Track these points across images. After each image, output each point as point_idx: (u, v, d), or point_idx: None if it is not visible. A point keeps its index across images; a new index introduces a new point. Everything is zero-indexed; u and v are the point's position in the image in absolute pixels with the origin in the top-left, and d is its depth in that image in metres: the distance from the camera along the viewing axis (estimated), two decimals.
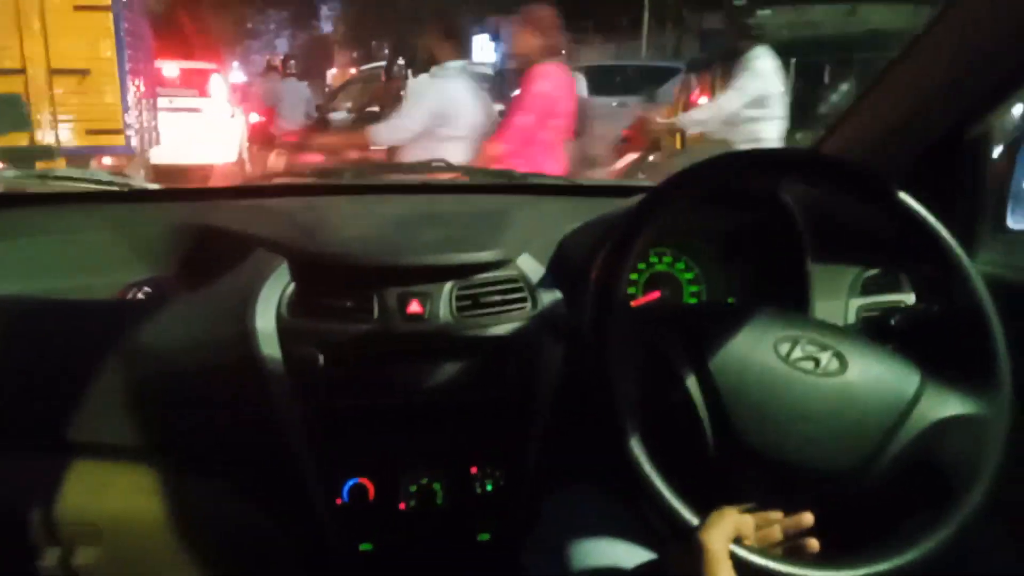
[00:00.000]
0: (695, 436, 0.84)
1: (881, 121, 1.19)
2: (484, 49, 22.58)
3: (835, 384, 0.84)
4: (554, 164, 3.09)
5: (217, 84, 9.45)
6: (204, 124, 8.87)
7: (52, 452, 1.19)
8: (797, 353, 0.86)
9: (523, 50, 3.15)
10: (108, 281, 1.34)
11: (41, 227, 1.38)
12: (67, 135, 6.72)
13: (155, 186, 1.69)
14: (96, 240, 1.37)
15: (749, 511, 0.81)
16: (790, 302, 1.17)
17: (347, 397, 1.15)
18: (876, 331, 1.09)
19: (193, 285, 1.28)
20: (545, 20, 3.15)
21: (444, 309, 1.16)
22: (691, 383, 0.84)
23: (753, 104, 3.73)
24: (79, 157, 6.41)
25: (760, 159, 0.95)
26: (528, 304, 1.19)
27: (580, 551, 0.97)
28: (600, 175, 3.83)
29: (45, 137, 6.50)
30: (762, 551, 0.79)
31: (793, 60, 7.01)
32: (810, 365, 0.85)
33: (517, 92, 3.13)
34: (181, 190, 1.87)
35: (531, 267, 1.23)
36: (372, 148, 3.10)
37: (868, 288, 1.27)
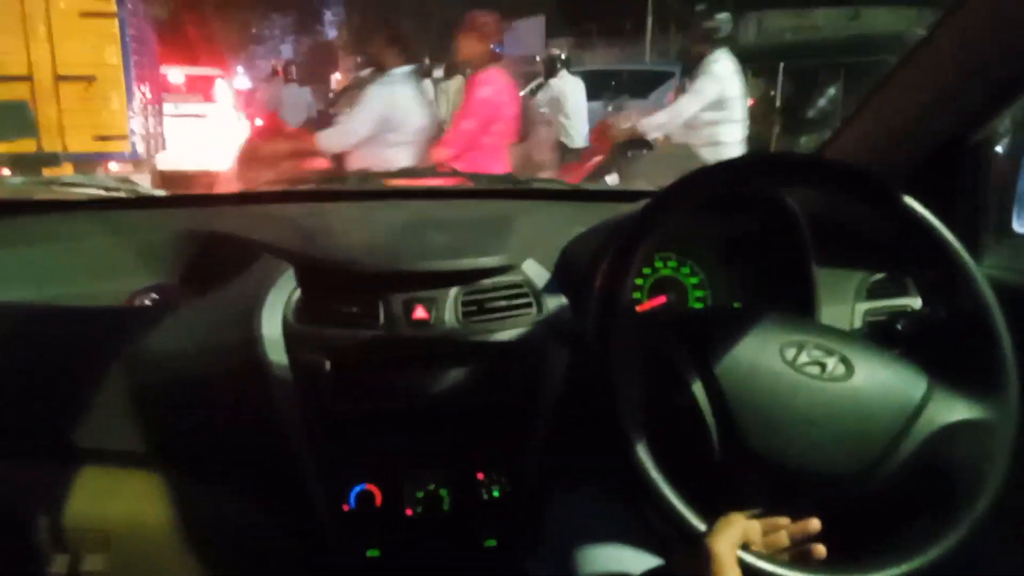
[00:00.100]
0: (701, 441, 0.83)
1: (884, 126, 1.19)
2: None
3: (841, 389, 0.84)
4: (498, 168, 3.14)
5: (222, 90, 9.49)
6: (210, 130, 8.90)
7: (59, 458, 1.19)
8: (803, 358, 0.86)
9: (467, 56, 3.22)
10: (114, 287, 1.34)
11: (47, 234, 1.39)
12: (73, 141, 6.75)
13: (161, 192, 1.69)
14: (102, 246, 1.37)
15: (756, 517, 0.81)
16: (796, 307, 1.17)
17: (353, 403, 1.15)
18: (882, 336, 1.08)
19: (199, 291, 1.28)
20: (488, 26, 3.21)
21: (450, 315, 1.16)
22: (697, 388, 0.84)
23: (712, 107, 3.78)
24: (86, 163, 6.43)
25: (764, 164, 0.95)
26: (533, 309, 1.19)
27: (586, 556, 0.97)
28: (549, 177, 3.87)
29: (51, 143, 6.52)
30: (769, 557, 0.79)
31: (782, 64, 7.04)
32: (816, 370, 0.85)
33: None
34: (187, 196, 1.88)
35: (536, 272, 1.23)
36: (320, 153, 3.13)
37: (874, 292, 1.27)
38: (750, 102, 7.40)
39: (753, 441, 0.82)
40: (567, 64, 6.40)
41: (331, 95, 10.73)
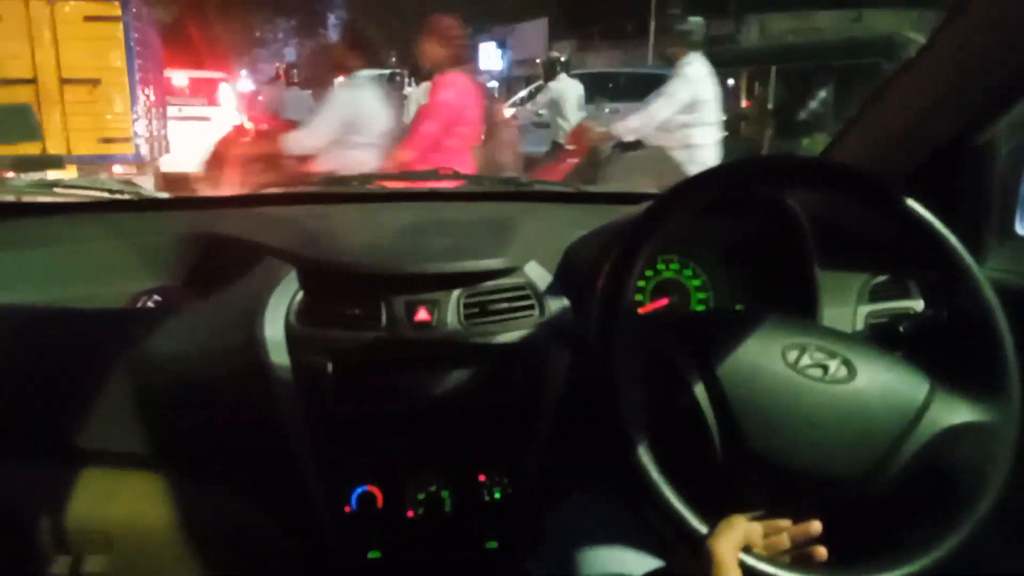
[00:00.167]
0: (702, 443, 0.83)
1: (887, 128, 1.19)
2: (491, 57, 22.68)
3: (844, 391, 0.84)
4: (461, 170, 3.15)
5: (226, 93, 9.51)
6: (213, 132, 8.93)
7: (60, 459, 1.19)
8: (805, 360, 0.86)
9: (428, 59, 3.26)
10: (117, 290, 1.34)
11: (51, 236, 1.39)
12: (77, 144, 6.77)
13: (164, 195, 1.70)
14: (105, 249, 1.38)
15: (757, 519, 0.81)
16: (798, 309, 1.17)
17: (355, 404, 1.16)
18: (884, 338, 1.08)
19: (202, 293, 1.29)
20: (450, 30, 3.25)
21: (452, 316, 1.16)
22: (699, 390, 0.84)
23: (685, 110, 3.81)
24: (90, 165, 6.46)
25: (766, 166, 0.95)
26: (535, 311, 1.19)
27: (587, 558, 0.97)
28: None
29: (56, 146, 6.55)
30: (771, 559, 0.79)
31: (774, 68, 7.07)
32: (818, 372, 0.85)
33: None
34: (190, 199, 1.88)
35: (538, 274, 1.23)
36: (286, 155, 3.18)
37: (876, 295, 1.27)
38: (745, 103, 7.43)
39: (755, 443, 0.82)
40: (566, 67, 6.42)
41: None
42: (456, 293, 1.18)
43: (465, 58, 3.34)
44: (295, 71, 9.04)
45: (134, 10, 7.09)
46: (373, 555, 1.18)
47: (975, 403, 0.83)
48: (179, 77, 9.40)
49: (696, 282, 1.36)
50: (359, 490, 1.16)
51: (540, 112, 6.27)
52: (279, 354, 1.13)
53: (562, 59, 6.44)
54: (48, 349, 1.19)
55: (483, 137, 3.50)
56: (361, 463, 1.17)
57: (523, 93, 12.60)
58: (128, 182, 1.83)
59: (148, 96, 7.38)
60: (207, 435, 1.19)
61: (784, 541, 0.82)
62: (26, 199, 1.65)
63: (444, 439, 1.20)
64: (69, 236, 1.39)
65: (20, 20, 6.73)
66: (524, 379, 1.17)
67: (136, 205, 1.59)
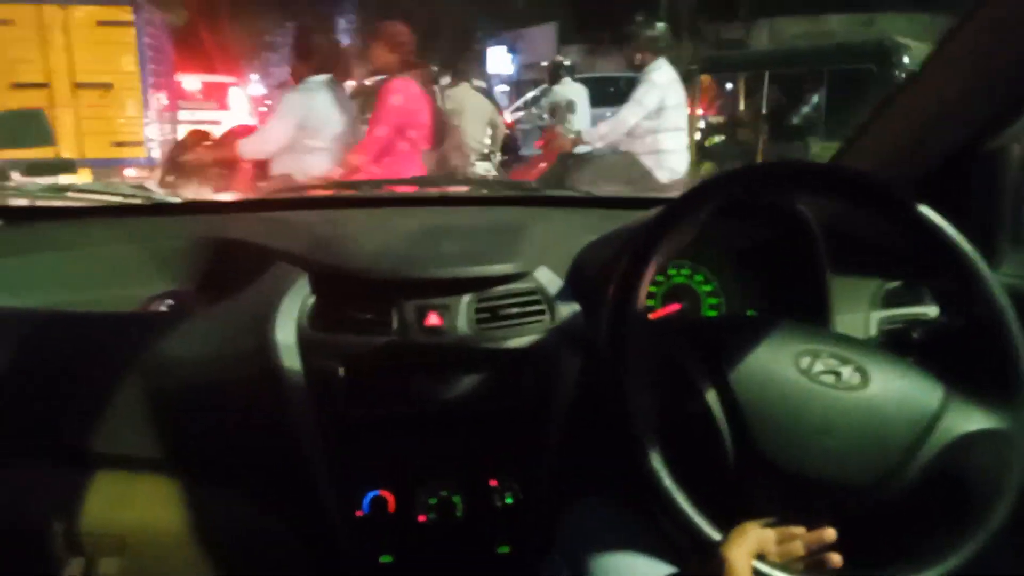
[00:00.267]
0: (714, 449, 0.83)
1: (898, 135, 1.18)
2: (500, 61, 22.71)
3: (857, 398, 0.83)
4: (413, 172, 3.26)
5: (237, 97, 9.55)
6: None
7: (73, 464, 1.20)
8: (818, 367, 0.85)
9: (378, 65, 3.35)
10: (129, 294, 1.35)
11: (64, 241, 1.40)
12: (90, 147, 6.83)
13: (176, 199, 1.71)
14: (118, 253, 1.38)
15: (770, 525, 0.81)
16: (810, 315, 1.16)
17: (366, 409, 1.16)
18: (898, 344, 1.08)
19: (214, 298, 1.29)
20: (399, 36, 3.34)
21: (463, 321, 1.17)
22: (711, 396, 0.84)
23: (652, 115, 3.85)
24: (102, 169, 6.50)
25: (778, 173, 0.95)
26: (546, 316, 1.19)
27: (599, 564, 0.97)
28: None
29: (69, 150, 6.60)
30: (784, 566, 0.78)
31: (767, 73, 7.08)
32: (831, 379, 0.84)
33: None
34: (202, 203, 1.89)
35: (549, 279, 1.23)
36: (242, 159, 3.23)
37: (890, 301, 1.26)
38: (742, 108, 7.43)
39: (767, 450, 0.82)
40: (571, 71, 6.45)
41: None
42: (467, 298, 1.18)
43: (414, 63, 3.43)
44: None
45: (146, 15, 7.14)
46: (385, 559, 1.18)
47: (989, 410, 0.83)
48: (191, 81, 9.45)
49: (707, 288, 1.36)
50: (371, 494, 1.17)
51: (544, 116, 6.29)
52: (291, 358, 1.13)
53: (566, 63, 6.47)
54: (61, 354, 1.20)
55: (434, 140, 3.59)
56: (373, 467, 1.18)
57: (528, 96, 12.71)
58: (141, 186, 1.83)
59: (160, 100, 7.44)
60: (219, 439, 1.19)
61: (798, 548, 0.82)
62: (39, 203, 1.66)
63: (455, 444, 1.20)
64: (82, 240, 1.40)
65: (33, 25, 6.78)
66: (535, 384, 1.17)
67: (148, 209, 1.60)
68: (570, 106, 5.62)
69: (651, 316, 1.33)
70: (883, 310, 1.25)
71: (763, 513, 0.81)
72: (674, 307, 1.34)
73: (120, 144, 7.01)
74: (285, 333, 1.14)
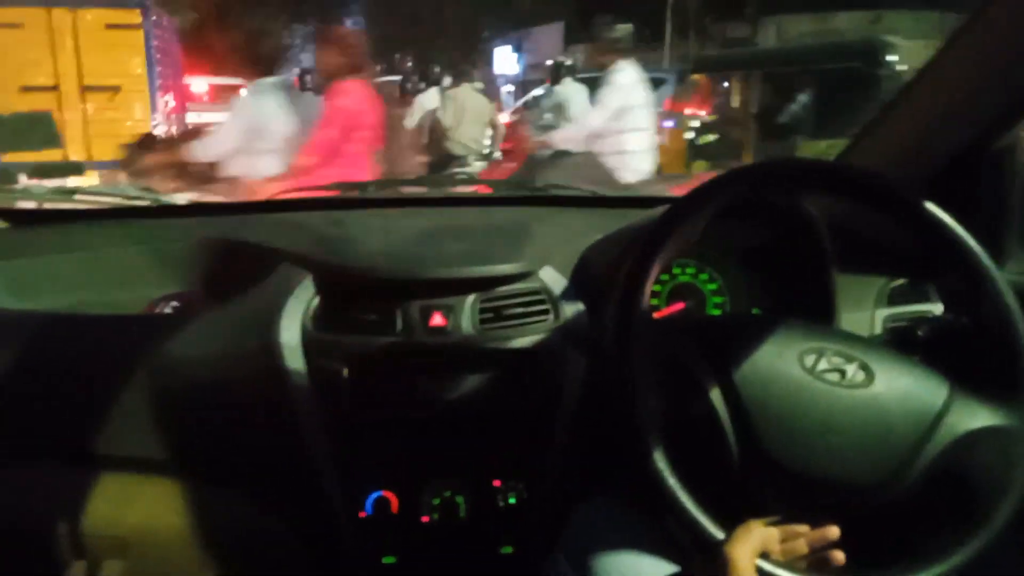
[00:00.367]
0: (719, 448, 0.83)
1: (904, 133, 1.18)
2: (507, 61, 22.73)
3: (862, 396, 0.83)
4: (362, 173, 3.30)
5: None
6: None
7: (78, 465, 1.20)
8: (823, 365, 0.85)
9: (327, 68, 3.37)
10: (135, 296, 1.36)
11: (70, 243, 1.41)
12: (98, 150, 6.86)
13: (182, 201, 1.71)
14: (123, 255, 1.39)
15: (774, 524, 0.81)
16: (815, 313, 1.16)
17: (371, 409, 1.16)
18: (903, 342, 1.07)
19: (219, 299, 1.29)
20: (347, 40, 3.39)
21: (467, 322, 1.17)
22: (715, 395, 0.84)
23: (616, 117, 3.88)
24: (110, 172, 6.54)
25: (784, 171, 0.94)
26: (551, 316, 1.19)
27: (603, 564, 0.97)
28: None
29: (77, 152, 6.64)
30: (788, 564, 0.78)
31: (758, 73, 7.13)
32: (836, 377, 0.84)
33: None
34: (208, 205, 1.90)
35: (554, 279, 1.23)
36: (193, 163, 3.27)
37: (895, 298, 1.25)
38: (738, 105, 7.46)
39: (771, 448, 0.82)
40: (572, 71, 6.48)
41: None
42: (471, 298, 1.18)
43: (362, 66, 3.48)
44: (308, 76, 9.11)
45: (155, 18, 7.17)
46: (388, 560, 1.18)
47: (995, 408, 0.82)
48: (199, 84, 9.49)
49: (712, 286, 1.35)
50: (374, 495, 1.17)
51: (545, 115, 6.31)
52: (295, 359, 1.13)
53: (568, 63, 6.48)
54: (66, 355, 1.21)
55: (384, 142, 3.65)
56: (376, 468, 1.18)
57: (529, 97, 12.80)
58: (148, 188, 1.84)
59: (168, 103, 7.47)
60: (223, 440, 1.19)
61: (801, 547, 0.82)
62: (46, 206, 1.67)
63: (459, 444, 1.20)
64: (88, 243, 1.40)
65: (42, 28, 6.83)
66: (539, 384, 1.17)
67: (155, 211, 1.60)
68: (560, 108, 5.66)
69: (656, 315, 1.32)
70: (888, 308, 1.24)
71: (767, 511, 0.81)
72: (678, 306, 1.34)
73: None
74: (289, 334, 1.15)
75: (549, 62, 6.52)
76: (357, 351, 1.15)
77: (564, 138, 4.08)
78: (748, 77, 7.29)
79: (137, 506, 1.21)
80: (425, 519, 1.17)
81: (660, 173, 8.19)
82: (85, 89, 6.96)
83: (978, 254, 0.86)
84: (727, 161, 6.77)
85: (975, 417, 0.82)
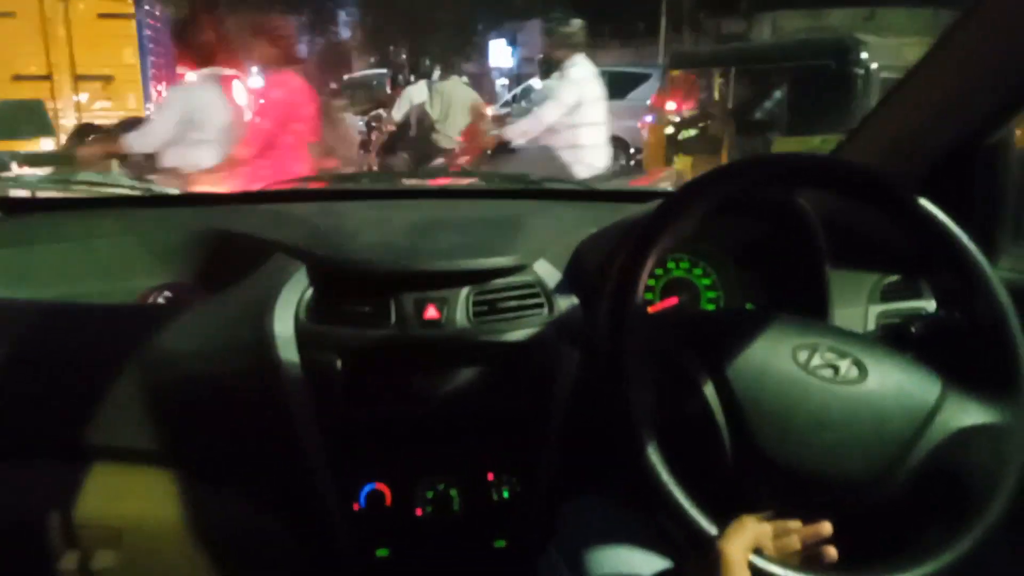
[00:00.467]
0: (712, 444, 0.83)
1: (899, 129, 1.18)
2: (501, 54, 22.69)
3: (855, 392, 0.83)
4: (299, 165, 3.33)
5: (238, 90, 9.53)
6: None
7: (70, 456, 1.20)
8: (816, 361, 0.85)
9: (261, 59, 3.45)
10: (128, 286, 1.35)
11: (62, 232, 1.40)
12: None
13: (175, 191, 1.71)
14: (116, 245, 1.38)
15: (767, 520, 0.81)
16: (809, 309, 1.16)
17: (364, 402, 1.16)
18: (896, 338, 1.08)
19: (212, 290, 1.29)
20: (279, 30, 3.44)
21: (461, 314, 1.16)
22: (708, 390, 0.84)
23: (571, 111, 3.88)
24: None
25: (778, 166, 0.94)
26: (545, 310, 1.19)
27: (596, 558, 0.97)
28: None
29: None
30: (781, 560, 0.78)
31: (732, 70, 7.20)
32: (829, 373, 0.84)
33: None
34: (201, 195, 1.89)
35: (548, 272, 1.22)
36: (128, 154, 3.29)
37: (888, 295, 1.26)
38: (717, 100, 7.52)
39: (765, 444, 0.82)
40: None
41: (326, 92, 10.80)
42: (465, 291, 1.18)
43: (295, 57, 3.54)
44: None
45: (147, 7, 7.13)
46: (381, 553, 1.18)
47: (988, 405, 0.83)
48: (191, 74, 9.43)
49: (706, 281, 1.35)
50: (368, 488, 1.17)
51: (533, 108, 6.34)
52: (288, 351, 1.13)
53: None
54: (59, 345, 1.20)
55: (320, 133, 3.67)
56: (370, 461, 1.18)
57: (518, 90, 12.85)
58: (140, 178, 1.84)
59: (161, 93, 7.43)
60: (216, 431, 1.19)
61: (794, 542, 0.82)
62: (39, 194, 1.66)
63: (453, 437, 1.20)
64: (80, 232, 1.40)
65: (35, 18, 6.79)
66: (533, 378, 1.17)
67: (148, 201, 1.60)
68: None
69: (649, 310, 1.33)
70: (881, 304, 1.24)
71: (760, 507, 0.81)
72: (672, 301, 1.34)
73: None
74: (283, 325, 1.14)
75: (537, 58, 6.54)
76: (351, 343, 1.15)
77: (519, 132, 4.08)
78: (726, 73, 7.34)
79: (130, 497, 1.21)
80: (419, 512, 1.17)
81: (641, 166, 8.27)
82: (78, 78, 6.93)
83: (971, 251, 0.86)
84: (706, 156, 6.83)
85: (968, 414, 0.82)
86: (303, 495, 1.16)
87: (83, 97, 7.01)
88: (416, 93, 7.06)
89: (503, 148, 4.14)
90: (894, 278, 1.26)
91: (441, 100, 5.90)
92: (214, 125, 3.31)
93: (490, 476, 1.19)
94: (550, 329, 1.17)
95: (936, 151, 1.15)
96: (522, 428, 1.18)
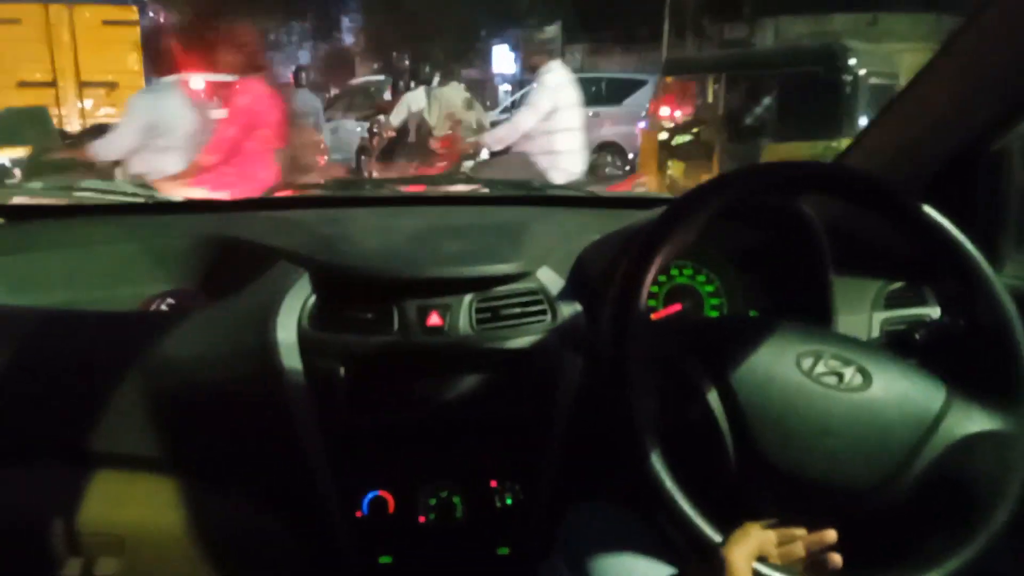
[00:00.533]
0: (716, 451, 0.83)
1: (902, 136, 1.18)
2: (504, 60, 22.72)
3: (859, 400, 0.83)
4: (265, 172, 3.36)
5: (243, 96, 9.55)
6: None
7: (74, 463, 1.20)
8: (820, 368, 0.85)
9: (226, 67, 3.51)
10: (131, 293, 1.35)
11: (66, 239, 1.40)
12: None
13: (178, 198, 1.71)
14: (119, 252, 1.38)
15: (771, 527, 0.80)
16: (812, 316, 1.16)
17: (367, 409, 1.16)
18: (900, 345, 1.07)
19: (215, 297, 1.29)
20: (242, 38, 3.49)
21: (464, 321, 1.16)
22: (712, 397, 0.83)
23: (547, 117, 3.92)
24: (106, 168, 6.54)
25: (782, 173, 0.94)
26: (548, 317, 1.19)
27: (599, 565, 0.97)
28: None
29: None
30: (785, 568, 0.78)
31: (723, 76, 7.29)
32: (833, 380, 0.84)
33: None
34: (204, 202, 1.90)
35: (551, 279, 1.22)
36: (96, 160, 3.33)
37: (892, 302, 1.26)
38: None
39: (769, 451, 0.81)
40: None
41: (326, 98, 10.85)
42: (468, 298, 1.18)
43: (259, 65, 3.58)
44: (303, 74, 9.11)
45: (151, 14, 7.16)
46: (384, 560, 1.18)
47: (992, 412, 0.82)
48: (195, 80, 9.45)
49: (709, 288, 1.35)
50: (371, 495, 1.16)
51: None
52: (291, 358, 1.13)
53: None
54: (61, 352, 1.20)
55: (285, 139, 3.69)
56: (373, 468, 1.17)
57: (518, 95, 12.95)
58: (143, 185, 1.84)
59: None
60: (219, 438, 1.19)
61: (798, 550, 0.82)
62: (42, 201, 1.67)
63: (456, 445, 1.20)
64: (84, 239, 1.40)
65: (40, 24, 6.83)
66: (536, 385, 1.17)
67: (151, 208, 1.60)
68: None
69: (653, 316, 1.32)
70: (885, 311, 1.24)
71: (764, 514, 0.81)
72: (676, 307, 1.34)
73: None
74: (286, 332, 1.14)
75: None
76: (353, 350, 1.15)
77: (496, 139, 4.14)
78: (718, 80, 7.41)
79: (133, 504, 1.20)
80: (422, 519, 1.17)
81: (636, 171, 8.32)
82: (83, 85, 6.96)
83: (975, 258, 0.86)
84: (698, 161, 6.89)
85: (972, 421, 0.82)
86: (306, 502, 1.16)
87: (87, 103, 7.03)
88: (414, 100, 7.10)
89: (480, 155, 4.19)
90: (898, 285, 1.26)
91: (439, 107, 5.93)
92: (178, 131, 3.36)
93: (493, 483, 1.19)
94: (553, 336, 1.17)
95: (940, 157, 1.15)
96: (525, 435, 1.18)
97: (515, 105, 11.85)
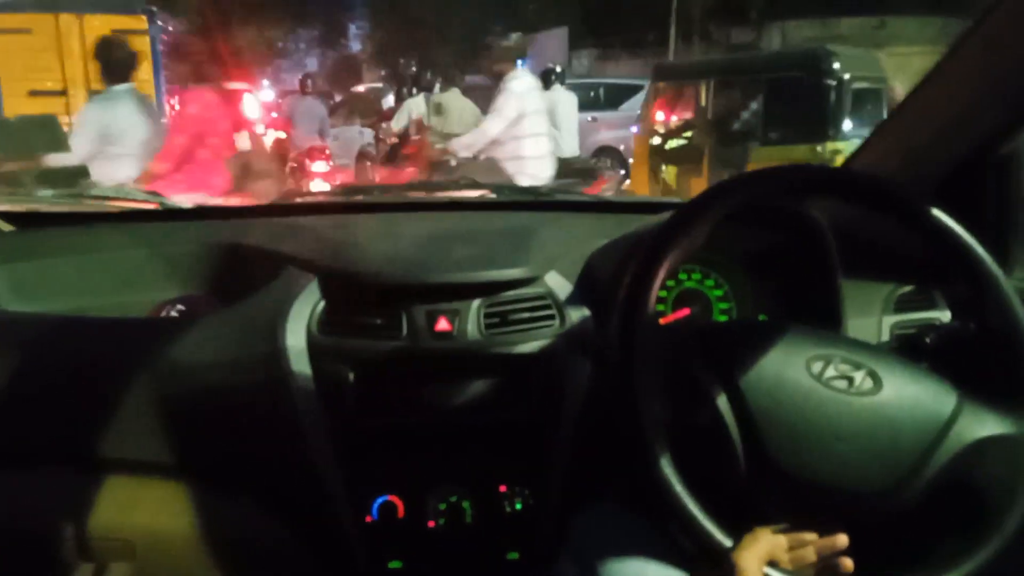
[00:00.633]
0: (725, 455, 0.83)
1: (910, 140, 1.18)
2: None
3: (869, 404, 0.82)
4: (217, 179, 3.44)
5: (250, 104, 9.60)
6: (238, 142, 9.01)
7: (84, 468, 1.20)
8: (830, 372, 0.84)
9: (176, 77, 3.58)
10: (141, 299, 1.36)
11: (77, 246, 1.41)
12: None
13: (188, 205, 1.72)
14: (129, 258, 1.39)
15: (782, 532, 0.80)
16: (822, 320, 1.16)
17: (376, 414, 1.16)
18: (910, 349, 1.07)
19: (224, 303, 1.30)
20: (192, 47, 3.62)
21: (472, 326, 1.16)
22: (721, 402, 0.83)
23: (514, 124, 3.98)
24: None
25: (791, 176, 0.94)
26: (556, 321, 1.19)
27: (609, 570, 0.96)
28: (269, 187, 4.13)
29: None
30: (796, 573, 0.78)
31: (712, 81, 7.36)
32: (843, 384, 0.84)
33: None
34: (213, 208, 1.90)
35: (559, 284, 1.22)
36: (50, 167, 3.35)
37: (902, 305, 1.25)
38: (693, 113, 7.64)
39: (778, 455, 0.81)
40: (561, 78, 6.64)
41: (329, 104, 10.92)
42: (476, 303, 1.18)
43: (207, 75, 3.69)
44: (310, 81, 9.16)
45: (160, 23, 7.21)
46: (394, 565, 1.18)
47: (1003, 416, 0.82)
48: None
49: (718, 292, 1.35)
50: (380, 500, 1.16)
51: None
52: (301, 363, 1.13)
53: (557, 70, 6.58)
54: (72, 358, 1.21)
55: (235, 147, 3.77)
56: (382, 473, 1.18)
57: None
58: (153, 192, 1.85)
59: (174, 107, 7.50)
60: (229, 443, 1.19)
61: (810, 555, 0.81)
62: (54, 209, 1.68)
63: (465, 449, 1.20)
64: (95, 246, 1.41)
65: (50, 34, 6.88)
66: (544, 389, 1.17)
67: (161, 215, 1.61)
68: (549, 114, 5.73)
69: (661, 321, 1.32)
70: (895, 315, 1.24)
71: (774, 519, 0.81)
72: (684, 312, 1.34)
73: None
74: (295, 338, 1.15)
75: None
76: (362, 355, 1.15)
77: (463, 145, 4.19)
78: (708, 85, 7.48)
79: (144, 510, 1.21)
80: (431, 524, 1.17)
81: (628, 175, 8.40)
82: (93, 94, 6.99)
83: (985, 261, 0.85)
84: (689, 165, 6.95)
85: (983, 425, 0.81)
86: (315, 507, 1.16)
87: None
88: (415, 106, 7.14)
89: (448, 161, 4.24)
90: (908, 288, 1.26)
91: (441, 110, 5.97)
92: (130, 139, 3.40)
93: (502, 488, 1.18)
94: (561, 341, 1.17)
95: (949, 161, 1.14)
96: (534, 440, 1.17)
97: None
